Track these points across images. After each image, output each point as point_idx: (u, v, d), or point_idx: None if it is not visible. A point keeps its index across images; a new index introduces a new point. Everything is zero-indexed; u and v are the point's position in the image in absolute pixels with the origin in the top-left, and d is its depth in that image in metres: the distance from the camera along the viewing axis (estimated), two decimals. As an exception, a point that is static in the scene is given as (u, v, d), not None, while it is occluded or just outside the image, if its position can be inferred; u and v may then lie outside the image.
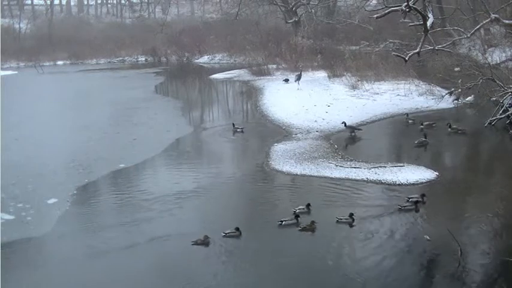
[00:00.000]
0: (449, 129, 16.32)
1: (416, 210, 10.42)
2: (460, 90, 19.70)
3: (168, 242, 9.74)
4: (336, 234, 9.67)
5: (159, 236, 9.92)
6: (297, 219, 10.05)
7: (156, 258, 9.17)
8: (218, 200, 11.81)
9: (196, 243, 9.33)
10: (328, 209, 10.70)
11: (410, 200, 10.65)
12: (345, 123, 17.06)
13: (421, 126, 16.81)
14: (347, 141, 16.28)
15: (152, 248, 9.57)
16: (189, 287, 8.18)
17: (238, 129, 18.18)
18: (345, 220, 9.95)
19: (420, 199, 10.68)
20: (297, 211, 10.44)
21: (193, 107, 25.64)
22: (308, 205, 10.67)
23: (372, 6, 30.85)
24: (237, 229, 9.66)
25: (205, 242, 9.34)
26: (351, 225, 9.90)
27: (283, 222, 10.01)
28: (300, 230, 9.78)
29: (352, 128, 16.89)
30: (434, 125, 16.93)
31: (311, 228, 9.80)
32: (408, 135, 16.39)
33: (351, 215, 10.02)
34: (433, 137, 15.58)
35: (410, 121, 17.77)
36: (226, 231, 9.64)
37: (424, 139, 15.12)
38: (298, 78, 25.04)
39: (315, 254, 9.00)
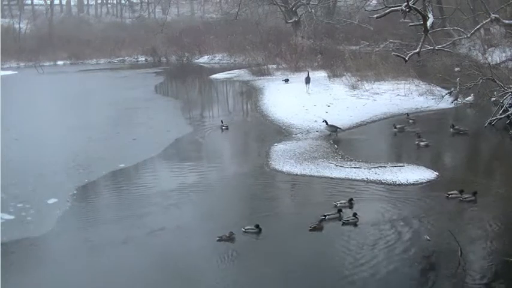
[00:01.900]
0: (451, 130, 16.30)
1: (475, 201, 10.65)
2: (458, 89, 19.72)
3: (178, 239, 9.76)
4: (340, 233, 9.71)
5: (162, 233, 9.94)
6: (340, 214, 10.16)
7: (166, 256, 9.18)
8: (221, 199, 11.83)
9: (221, 239, 9.41)
10: (331, 208, 10.68)
11: (450, 196, 10.86)
12: (326, 122, 16.58)
13: (395, 130, 16.82)
14: (347, 141, 16.25)
15: (156, 244, 9.59)
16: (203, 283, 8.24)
17: (223, 127, 18.26)
18: (351, 220, 10.00)
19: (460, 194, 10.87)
20: (339, 205, 10.55)
21: (193, 107, 25.62)
22: (350, 200, 10.78)
23: (372, 6, 30.91)
24: (257, 226, 9.73)
25: (230, 238, 9.43)
26: (355, 225, 9.93)
27: (327, 217, 10.09)
28: (310, 229, 9.78)
29: (333, 128, 16.46)
30: (405, 127, 16.94)
31: (319, 227, 9.86)
32: (408, 136, 16.38)
33: (355, 214, 10.08)
34: (432, 138, 15.57)
35: (410, 121, 17.74)
36: (246, 228, 9.73)
37: (424, 140, 15.09)
38: (308, 81, 23.73)
39: (321, 253, 9.13)
